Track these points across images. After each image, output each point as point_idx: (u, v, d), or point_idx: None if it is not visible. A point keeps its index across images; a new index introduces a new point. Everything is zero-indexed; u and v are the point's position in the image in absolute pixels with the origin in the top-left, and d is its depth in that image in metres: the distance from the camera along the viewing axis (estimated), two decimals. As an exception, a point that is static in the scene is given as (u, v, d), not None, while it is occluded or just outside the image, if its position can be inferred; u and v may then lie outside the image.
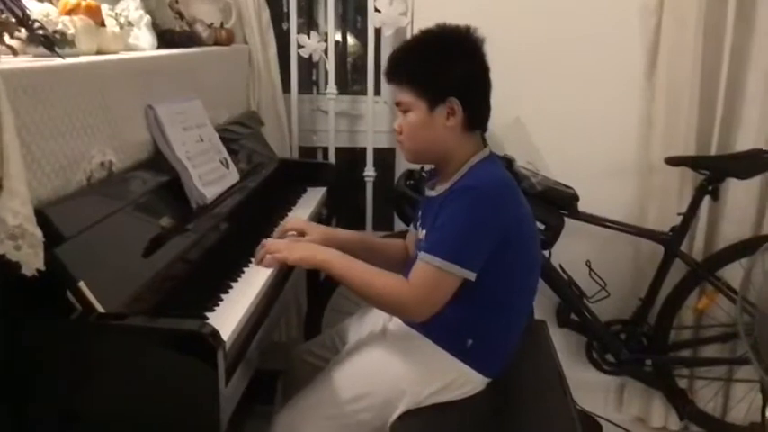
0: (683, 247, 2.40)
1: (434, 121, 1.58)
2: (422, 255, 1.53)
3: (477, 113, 1.61)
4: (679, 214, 2.36)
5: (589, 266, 2.43)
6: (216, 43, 2.22)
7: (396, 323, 1.72)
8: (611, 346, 2.50)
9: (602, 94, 2.48)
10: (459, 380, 1.63)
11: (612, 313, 2.53)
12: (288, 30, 2.62)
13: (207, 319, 1.32)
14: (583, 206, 2.36)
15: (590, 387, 2.57)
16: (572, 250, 2.40)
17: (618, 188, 2.53)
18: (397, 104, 1.63)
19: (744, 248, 2.35)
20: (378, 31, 2.56)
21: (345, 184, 2.63)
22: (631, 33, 2.43)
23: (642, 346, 2.52)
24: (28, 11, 1.34)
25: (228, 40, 2.31)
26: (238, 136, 2.15)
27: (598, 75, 2.46)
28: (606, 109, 2.49)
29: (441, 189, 1.65)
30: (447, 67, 1.58)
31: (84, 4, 1.53)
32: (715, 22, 2.32)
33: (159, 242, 1.44)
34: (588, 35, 2.43)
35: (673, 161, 2.33)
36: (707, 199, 2.36)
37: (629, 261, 2.57)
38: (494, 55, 1.62)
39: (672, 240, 2.37)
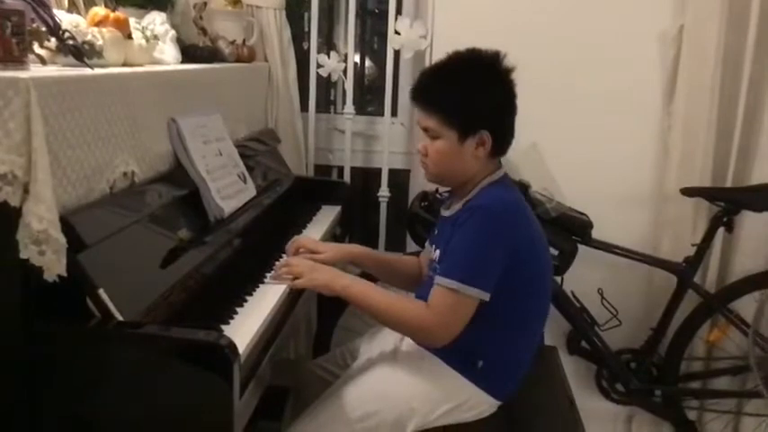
0: (696, 278, 2.39)
1: (463, 150, 1.59)
2: (438, 279, 1.54)
3: (503, 142, 1.63)
4: (693, 245, 2.36)
5: (601, 294, 2.42)
6: (237, 60, 2.25)
7: (407, 343, 1.72)
8: (621, 376, 2.48)
9: (619, 123, 2.48)
10: (469, 401, 1.63)
11: (623, 342, 2.52)
12: (308, 49, 2.65)
13: (222, 331, 1.32)
14: (597, 234, 2.36)
15: (599, 416, 2.55)
16: (584, 277, 2.39)
17: (632, 217, 2.53)
18: (425, 129, 1.63)
19: (758, 281, 2.34)
20: (397, 53, 2.58)
21: (360, 204, 2.63)
22: (650, 63, 2.44)
23: (652, 376, 2.50)
24: (58, 20, 1.36)
25: (250, 58, 2.33)
26: (255, 152, 2.17)
27: (615, 103, 2.47)
28: (623, 137, 2.49)
29: (454, 209, 1.66)
30: (479, 101, 1.58)
31: (112, 16, 1.55)
32: (734, 53, 2.33)
33: (177, 253, 1.45)
34: (606, 63, 2.45)
35: (688, 192, 2.33)
36: (721, 230, 2.35)
37: (642, 290, 2.56)
38: (511, 80, 1.63)
39: (685, 271, 2.36)
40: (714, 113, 2.36)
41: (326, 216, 2.30)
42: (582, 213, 2.35)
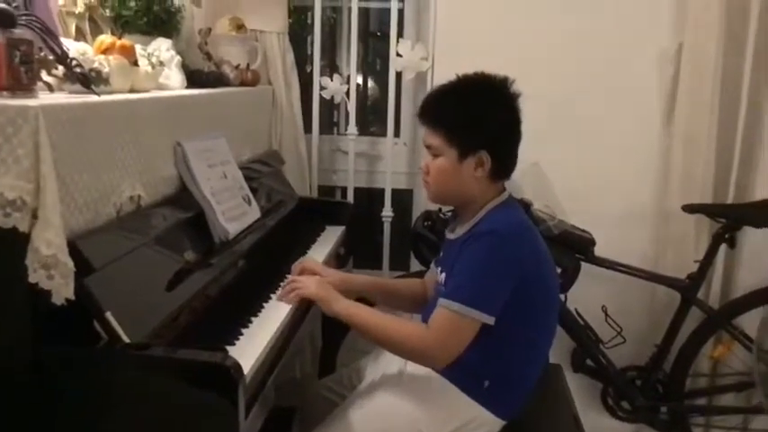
0: (700, 295, 2.40)
1: (462, 169, 1.60)
2: (441, 300, 1.54)
3: (504, 165, 1.64)
4: (696, 261, 2.37)
5: (605, 312, 2.42)
6: (242, 84, 2.28)
7: (412, 363, 1.73)
8: (627, 393, 2.48)
9: (620, 141, 2.51)
10: (475, 421, 1.63)
11: (628, 359, 2.52)
12: (311, 72, 2.69)
13: (227, 352, 1.33)
14: (599, 251, 2.37)
15: (605, 434, 2.56)
16: (588, 295, 2.40)
17: (635, 234, 2.54)
18: (428, 147, 1.65)
19: (761, 297, 2.34)
20: (399, 75, 2.61)
21: (363, 224, 2.65)
22: (649, 81, 2.47)
23: (658, 393, 2.50)
24: (66, 49, 1.39)
25: (254, 81, 2.36)
26: (260, 174, 2.19)
27: (616, 121, 2.50)
28: (624, 155, 2.51)
29: (459, 232, 1.67)
30: (482, 121, 1.60)
31: (118, 44, 1.58)
32: (733, 71, 2.35)
33: (183, 276, 1.47)
34: (606, 82, 2.47)
35: (690, 208, 2.34)
36: (723, 247, 2.36)
37: (646, 307, 2.56)
38: (513, 100, 1.65)
39: (688, 287, 2.37)
40: (714, 130, 2.37)
41: (330, 236, 2.32)
42: (584, 231, 2.36)
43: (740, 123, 2.37)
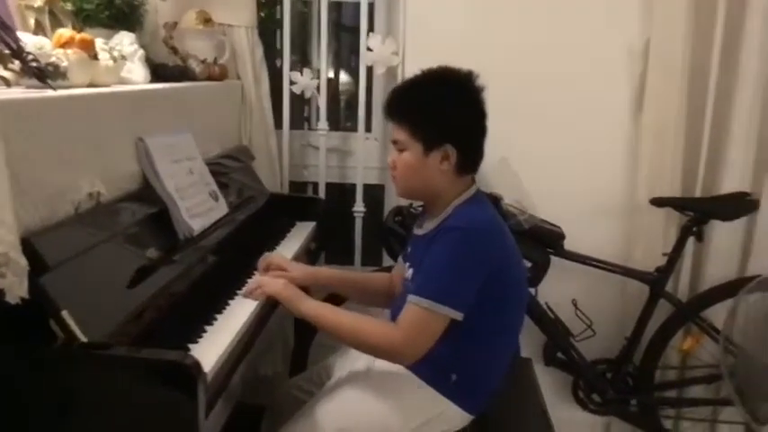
0: (669, 288, 2.42)
1: (428, 163, 1.60)
2: (410, 297, 1.54)
3: (470, 158, 1.64)
4: (664, 254, 2.38)
5: (575, 305, 2.43)
6: (209, 78, 2.25)
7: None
8: (597, 386, 2.50)
9: (589, 135, 2.51)
10: (442, 415, 1.63)
11: (599, 352, 2.53)
12: (281, 66, 2.66)
13: (189, 350, 1.32)
14: (569, 245, 2.38)
15: (576, 426, 2.57)
16: (558, 289, 2.41)
17: (604, 228, 2.56)
18: (394, 142, 1.65)
19: (728, 290, 2.36)
20: (370, 70, 2.60)
21: (334, 219, 2.64)
22: (618, 76, 2.48)
23: (628, 385, 2.52)
24: (22, 43, 1.37)
25: (222, 76, 2.33)
26: (229, 169, 2.17)
27: (585, 116, 2.50)
28: (593, 149, 2.52)
29: (428, 227, 1.67)
30: (445, 114, 1.60)
31: (78, 37, 1.56)
32: (700, 66, 2.37)
33: (145, 273, 1.45)
34: (576, 77, 2.48)
35: (658, 202, 2.36)
36: (692, 240, 2.38)
37: (615, 300, 2.58)
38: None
39: (657, 280, 2.39)
40: (682, 125, 2.39)
41: (301, 232, 2.30)
42: (554, 225, 2.37)
43: (707, 118, 2.38)
